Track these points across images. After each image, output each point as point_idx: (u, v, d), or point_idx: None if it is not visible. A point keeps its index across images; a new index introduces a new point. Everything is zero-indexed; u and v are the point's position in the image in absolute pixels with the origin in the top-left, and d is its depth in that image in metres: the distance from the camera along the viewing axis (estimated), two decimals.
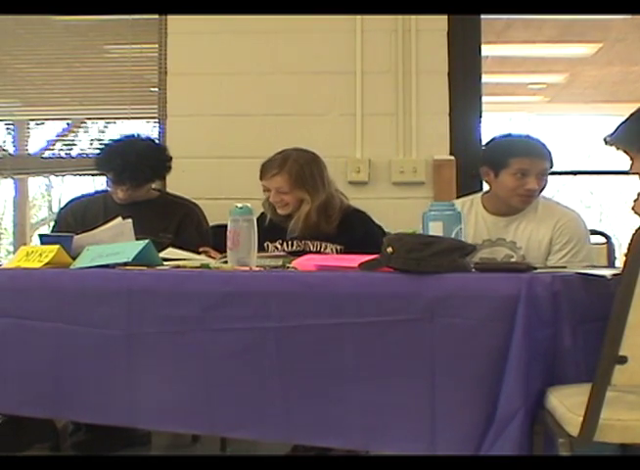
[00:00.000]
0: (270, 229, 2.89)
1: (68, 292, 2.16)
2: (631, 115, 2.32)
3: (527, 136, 2.83)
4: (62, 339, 2.14)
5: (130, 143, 3.06)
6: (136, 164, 2.95)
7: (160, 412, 2.05)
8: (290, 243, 2.90)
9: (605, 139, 2.36)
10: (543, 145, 2.79)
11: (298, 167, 2.85)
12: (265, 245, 2.87)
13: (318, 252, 2.86)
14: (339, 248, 2.85)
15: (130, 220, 2.61)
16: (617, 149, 2.35)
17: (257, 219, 2.66)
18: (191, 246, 2.96)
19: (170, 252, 2.51)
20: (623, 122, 2.32)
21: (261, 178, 2.90)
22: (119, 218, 2.68)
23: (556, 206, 2.82)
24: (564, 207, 2.84)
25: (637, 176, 2.32)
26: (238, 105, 3.61)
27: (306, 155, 2.92)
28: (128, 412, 2.08)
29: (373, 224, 2.94)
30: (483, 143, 3.10)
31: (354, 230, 2.85)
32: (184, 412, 2.03)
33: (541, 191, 2.76)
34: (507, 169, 2.72)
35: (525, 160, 2.70)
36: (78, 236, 2.53)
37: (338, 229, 2.87)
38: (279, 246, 2.91)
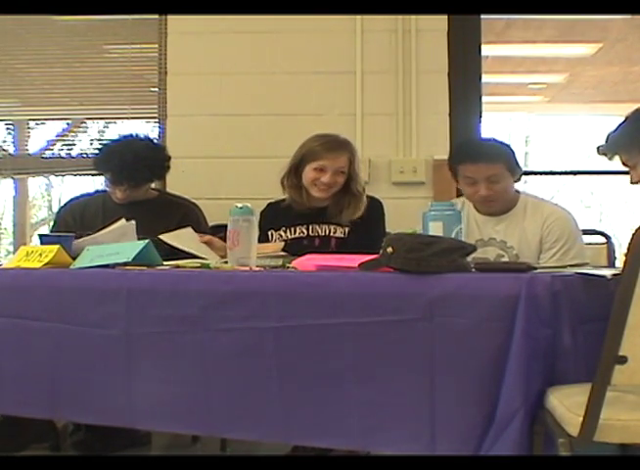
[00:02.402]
0: (273, 219, 2.90)
1: (67, 292, 2.16)
2: (625, 119, 2.29)
3: (481, 139, 2.79)
4: (61, 339, 2.14)
5: (128, 143, 3.06)
6: (134, 165, 2.94)
7: (158, 412, 2.05)
8: (293, 230, 2.90)
9: (598, 148, 2.32)
10: (494, 147, 2.71)
11: (354, 149, 2.89)
12: (269, 234, 2.87)
13: (326, 236, 2.86)
14: (346, 230, 2.85)
15: (134, 222, 2.60)
16: (611, 158, 2.32)
17: (261, 212, 2.77)
18: None
19: (187, 233, 2.52)
20: (617, 129, 2.29)
21: (318, 160, 2.81)
22: (123, 220, 2.66)
23: (545, 204, 2.80)
24: (553, 205, 2.83)
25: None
26: (238, 105, 3.61)
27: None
28: (127, 413, 2.08)
29: (382, 212, 2.96)
30: None
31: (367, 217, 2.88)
32: (183, 412, 2.03)
33: (505, 193, 2.70)
34: (459, 177, 2.71)
35: (468, 166, 2.66)
36: (81, 239, 2.52)
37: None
38: (283, 234, 2.89)
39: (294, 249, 2.58)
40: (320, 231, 2.88)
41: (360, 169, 2.91)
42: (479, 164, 2.65)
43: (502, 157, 2.68)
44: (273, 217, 2.91)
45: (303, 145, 2.89)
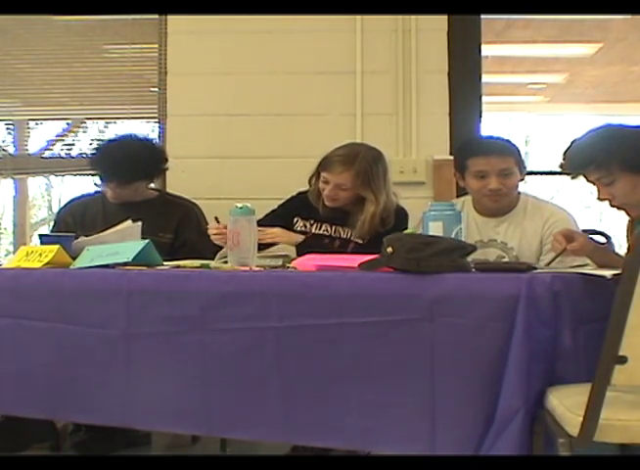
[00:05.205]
0: (304, 207, 2.91)
1: (67, 292, 2.16)
2: (586, 135, 2.27)
3: (490, 136, 2.81)
4: (61, 339, 2.14)
5: (123, 141, 3.05)
6: (124, 163, 2.92)
7: (158, 413, 2.05)
8: (319, 225, 2.91)
9: (562, 166, 2.30)
10: (505, 143, 2.74)
11: (367, 166, 2.77)
12: (295, 220, 2.90)
13: (346, 239, 2.86)
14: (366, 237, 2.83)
15: (139, 223, 2.59)
16: (575, 177, 2.29)
17: (294, 196, 2.90)
18: (190, 246, 2.96)
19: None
20: (582, 146, 2.27)
21: (325, 171, 2.81)
22: (129, 221, 2.66)
23: (545, 205, 2.80)
24: (553, 206, 2.83)
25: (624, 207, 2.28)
26: (238, 105, 3.61)
27: (373, 152, 2.84)
28: (127, 413, 2.08)
29: (406, 222, 2.89)
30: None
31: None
32: (183, 413, 2.03)
33: (514, 188, 2.72)
34: (468, 172, 2.71)
35: (480, 160, 2.67)
36: (87, 238, 2.52)
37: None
38: (309, 225, 2.91)
39: (313, 244, 2.58)
40: (342, 233, 2.89)
41: (381, 186, 2.80)
42: (491, 158, 2.67)
43: (512, 152, 2.72)
44: (304, 205, 2.92)
45: (329, 152, 2.85)
